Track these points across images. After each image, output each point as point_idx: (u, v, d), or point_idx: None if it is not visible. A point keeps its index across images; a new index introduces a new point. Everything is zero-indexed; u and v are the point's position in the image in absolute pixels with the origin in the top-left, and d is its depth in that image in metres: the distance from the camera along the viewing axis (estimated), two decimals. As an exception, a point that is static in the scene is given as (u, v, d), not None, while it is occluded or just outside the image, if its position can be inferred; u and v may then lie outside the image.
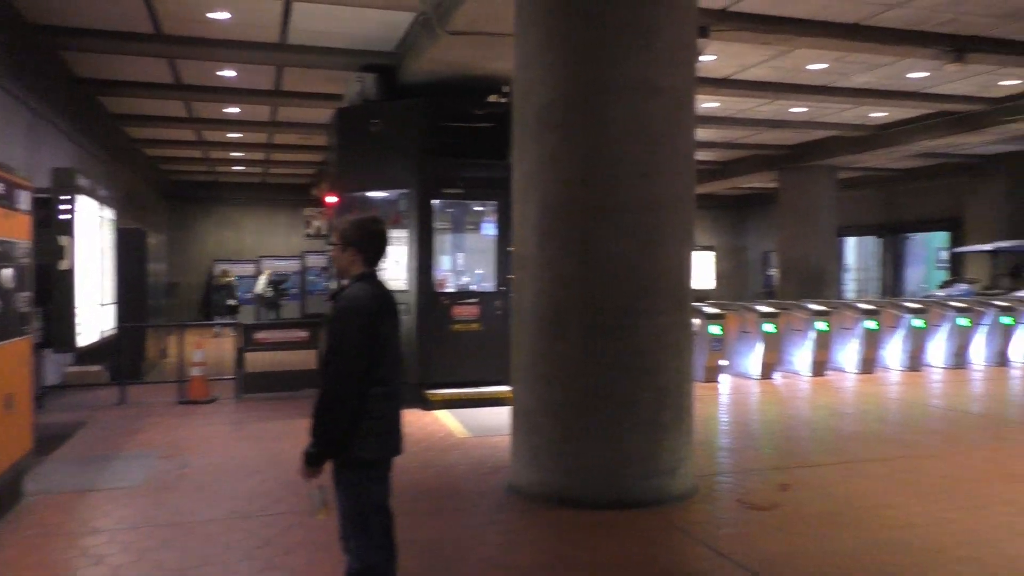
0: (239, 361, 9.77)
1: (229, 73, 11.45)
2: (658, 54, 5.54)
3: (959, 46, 9.76)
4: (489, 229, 10.02)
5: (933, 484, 6.07)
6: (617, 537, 4.92)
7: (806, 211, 19.12)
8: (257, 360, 9.80)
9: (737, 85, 12.09)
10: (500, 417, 7.61)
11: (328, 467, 3.19)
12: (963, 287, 17.16)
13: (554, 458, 5.63)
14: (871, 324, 11.80)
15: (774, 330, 11.21)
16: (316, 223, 17.85)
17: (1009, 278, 17.63)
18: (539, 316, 5.71)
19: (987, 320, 12.54)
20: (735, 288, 27.55)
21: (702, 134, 15.36)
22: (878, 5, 8.73)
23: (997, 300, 13.12)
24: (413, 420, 8.34)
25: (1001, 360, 12.61)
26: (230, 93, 12.60)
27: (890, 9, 8.84)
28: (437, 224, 9.65)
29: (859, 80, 12.07)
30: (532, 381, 5.80)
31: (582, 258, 5.53)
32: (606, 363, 5.48)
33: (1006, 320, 12.55)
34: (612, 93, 5.49)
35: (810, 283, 18.24)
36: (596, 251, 5.50)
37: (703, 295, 17.84)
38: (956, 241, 20.53)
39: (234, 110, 14.10)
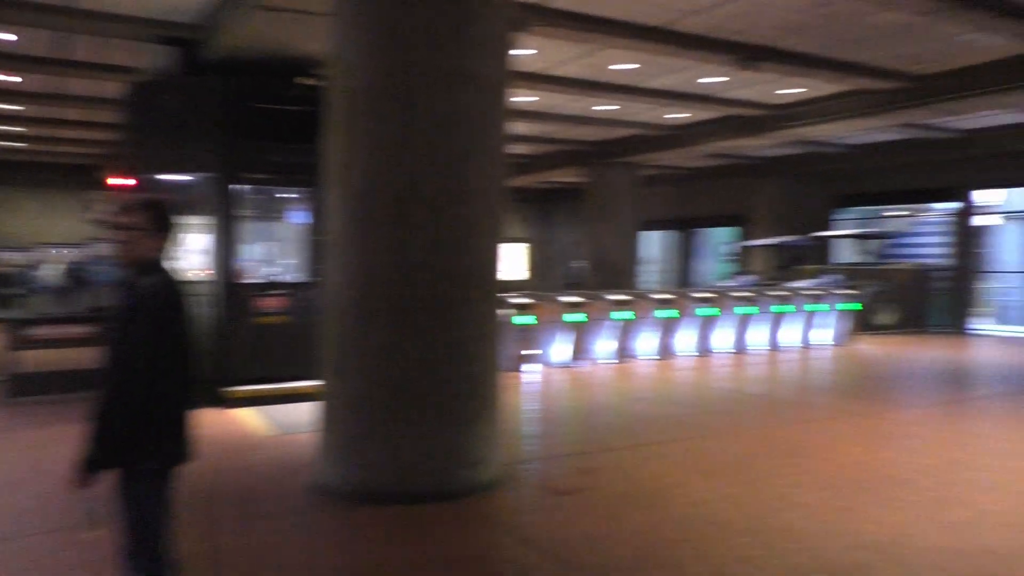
0: (9, 360, 8.75)
1: (3, 36, 10.22)
2: (472, 43, 5.54)
3: (749, 55, 10.57)
4: (300, 217, 9.64)
5: (720, 462, 6.55)
6: (424, 531, 4.89)
7: (610, 206, 20.13)
8: (31, 359, 8.82)
9: (548, 81, 12.41)
10: (308, 413, 7.35)
11: (106, 476, 2.91)
12: (748, 278, 18.73)
13: (361, 453, 5.51)
14: (667, 313, 12.58)
15: (578, 320, 11.66)
16: (103, 207, 16.43)
17: (784, 270, 19.45)
18: (348, 307, 5.56)
19: (765, 308, 13.78)
20: (547, 280, 28.45)
21: (514, 128, 15.65)
22: (678, 11, 9.26)
23: (773, 291, 14.43)
24: (210, 420, 7.83)
25: (775, 344, 13.90)
26: (4, 59, 11.27)
27: (689, 16, 9.39)
28: (242, 211, 9.14)
29: (661, 82, 12.78)
30: (340, 374, 5.64)
31: (391, 247, 5.43)
32: (414, 354, 5.42)
33: (778, 308, 13.89)
34: (425, 80, 5.41)
35: (613, 275, 19.19)
36: (406, 240, 5.41)
37: (516, 286, 18.25)
38: (743, 236, 22.42)
39: (10, 79, 12.62)
